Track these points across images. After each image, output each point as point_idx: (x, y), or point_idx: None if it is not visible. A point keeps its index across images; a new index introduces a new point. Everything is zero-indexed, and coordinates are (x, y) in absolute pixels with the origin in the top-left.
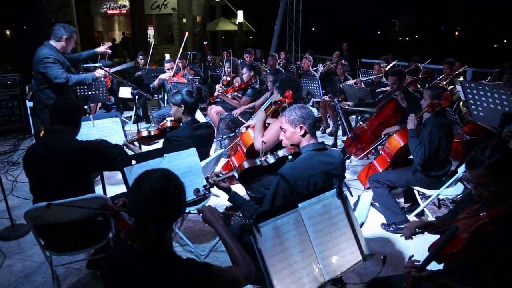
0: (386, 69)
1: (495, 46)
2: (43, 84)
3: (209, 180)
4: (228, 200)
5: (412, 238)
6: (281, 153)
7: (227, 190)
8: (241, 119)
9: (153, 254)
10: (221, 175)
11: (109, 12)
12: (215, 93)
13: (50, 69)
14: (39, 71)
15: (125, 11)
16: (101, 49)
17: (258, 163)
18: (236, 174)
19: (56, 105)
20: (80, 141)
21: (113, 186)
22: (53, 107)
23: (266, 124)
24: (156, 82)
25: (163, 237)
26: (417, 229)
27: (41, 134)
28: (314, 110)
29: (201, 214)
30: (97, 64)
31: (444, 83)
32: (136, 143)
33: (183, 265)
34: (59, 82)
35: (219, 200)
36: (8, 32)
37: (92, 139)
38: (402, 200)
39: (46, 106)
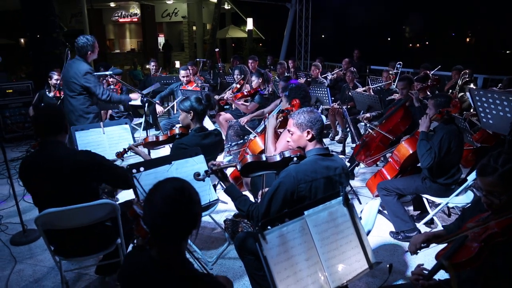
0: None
1: (507, 52)
2: (77, 92)
3: (211, 166)
4: (224, 191)
5: (417, 253)
6: (287, 153)
7: (226, 180)
8: (247, 127)
9: (167, 266)
10: (223, 164)
11: (121, 20)
12: (225, 97)
13: (94, 85)
14: (81, 84)
15: (136, 19)
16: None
17: (263, 158)
18: (238, 166)
19: (38, 118)
20: (82, 151)
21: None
22: (36, 122)
23: (279, 132)
24: (157, 101)
25: (178, 249)
26: (422, 244)
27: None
28: (323, 117)
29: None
30: (107, 72)
31: (452, 90)
32: (141, 147)
33: (198, 281)
34: (100, 98)
35: (227, 207)
36: (22, 40)
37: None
38: (411, 208)
39: (84, 112)
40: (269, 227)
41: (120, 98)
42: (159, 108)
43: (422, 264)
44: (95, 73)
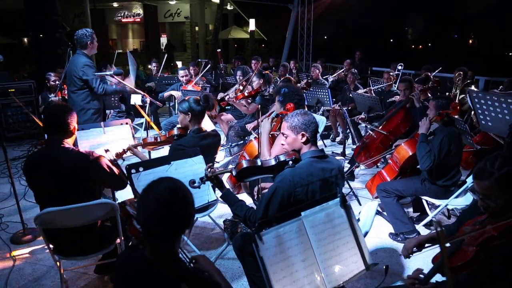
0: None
1: (510, 54)
2: (78, 87)
3: (206, 172)
4: (221, 197)
5: (409, 257)
6: (282, 157)
7: (221, 187)
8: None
9: (161, 266)
10: (218, 170)
11: (123, 20)
12: (226, 98)
13: (91, 78)
14: (79, 77)
15: (139, 20)
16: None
17: (258, 163)
18: (233, 172)
19: (46, 116)
20: (81, 151)
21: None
22: (45, 119)
23: (276, 134)
24: (165, 94)
25: (171, 249)
26: (414, 248)
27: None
28: (324, 118)
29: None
30: (108, 73)
31: (454, 92)
32: (140, 147)
33: (193, 279)
34: (96, 92)
35: (227, 207)
36: (25, 40)
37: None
38: (411, 209)
39: (83, 108)
40: (267, 228)
41: (115, 89)
42: (176, 94)
43: (422, 270)
44: (96, 73)
